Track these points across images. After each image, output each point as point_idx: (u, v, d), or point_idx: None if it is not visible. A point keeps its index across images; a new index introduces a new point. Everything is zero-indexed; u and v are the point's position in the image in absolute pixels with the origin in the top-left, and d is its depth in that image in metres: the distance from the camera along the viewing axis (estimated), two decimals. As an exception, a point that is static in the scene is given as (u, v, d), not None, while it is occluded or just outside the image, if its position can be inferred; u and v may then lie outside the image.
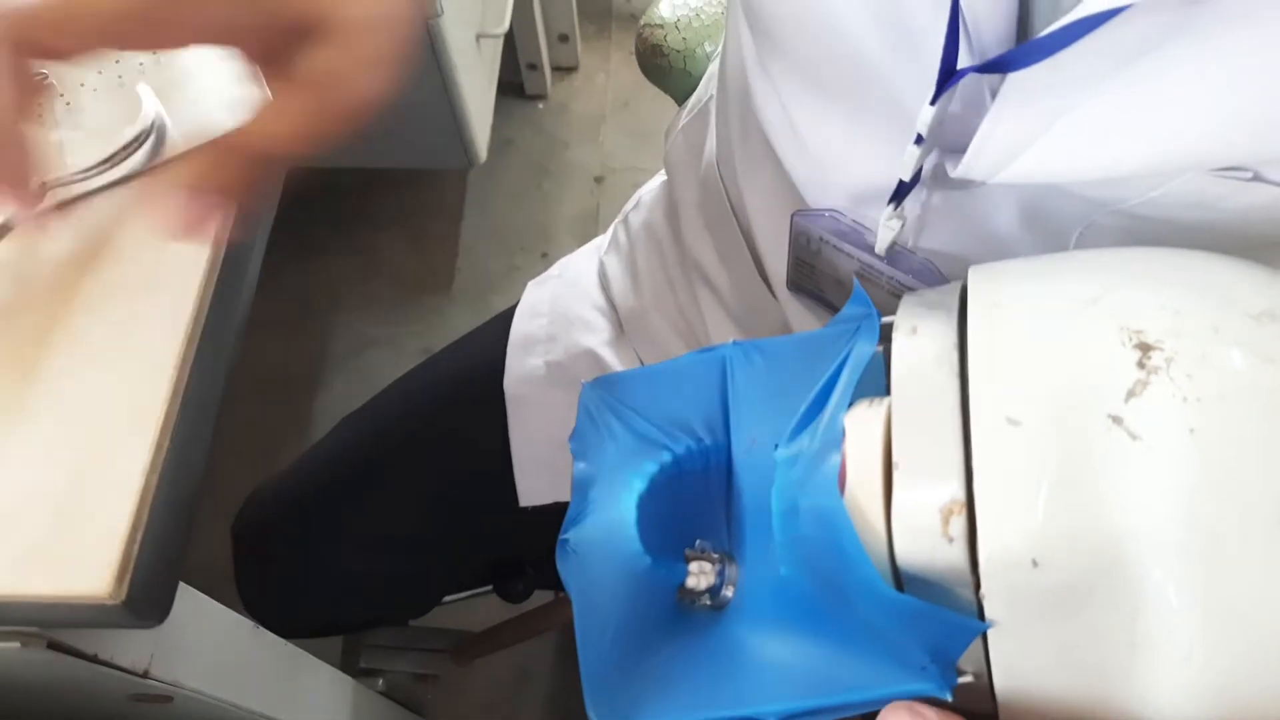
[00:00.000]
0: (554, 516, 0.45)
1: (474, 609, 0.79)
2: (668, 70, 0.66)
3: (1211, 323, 0.27)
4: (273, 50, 0.30)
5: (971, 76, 0.31)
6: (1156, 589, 0.26)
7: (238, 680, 0.45)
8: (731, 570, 0.34)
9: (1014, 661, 0.27)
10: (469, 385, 0.67)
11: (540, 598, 0.79)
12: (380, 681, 0.71)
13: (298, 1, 0.30)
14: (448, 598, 0.77)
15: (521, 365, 0.65)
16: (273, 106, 0.30)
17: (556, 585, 0.80)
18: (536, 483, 0.63)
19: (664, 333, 0.61)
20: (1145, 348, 0.27)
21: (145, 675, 0.37)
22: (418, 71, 1.05)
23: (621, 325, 0.64)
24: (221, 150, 0.29)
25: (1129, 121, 0.30)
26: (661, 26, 0.64)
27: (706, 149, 0.55)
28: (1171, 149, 0.30)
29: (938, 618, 0.27)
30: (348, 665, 0.73)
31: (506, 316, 0.68)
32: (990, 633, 0.27)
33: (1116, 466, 0.26)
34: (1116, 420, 0.26)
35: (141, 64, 0.40)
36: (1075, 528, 0.26)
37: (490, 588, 0.78)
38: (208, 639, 0.42)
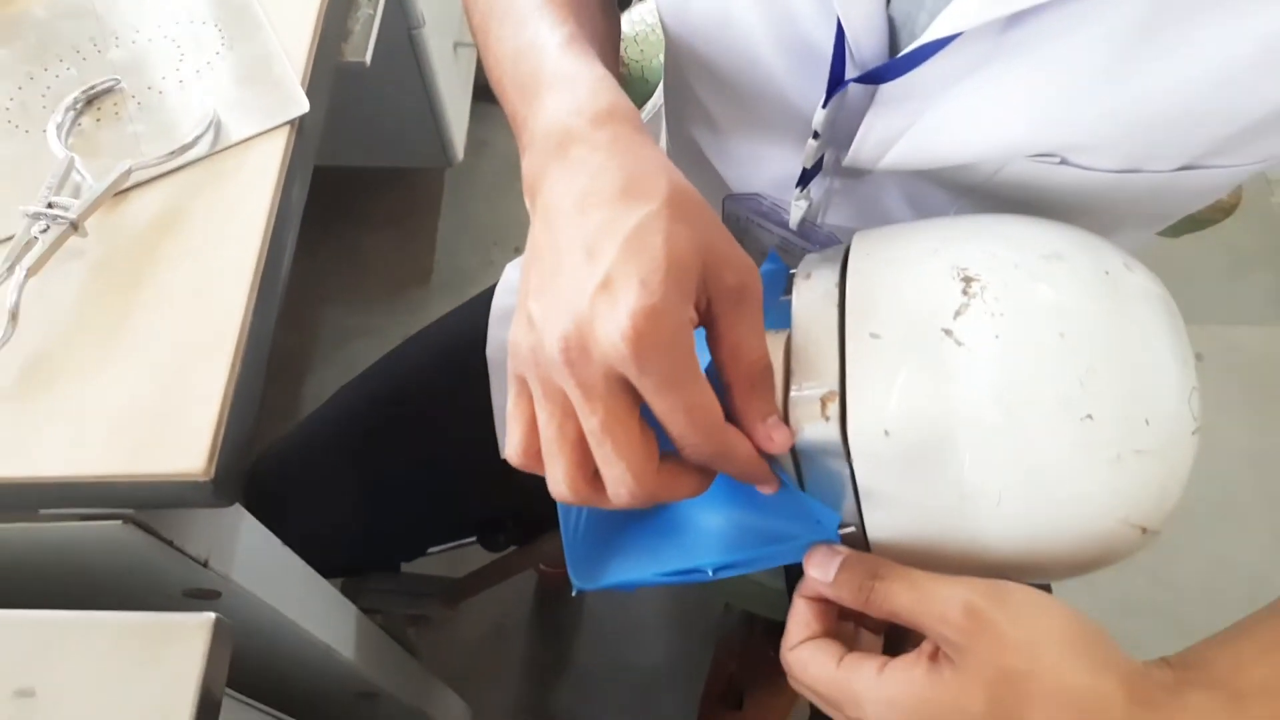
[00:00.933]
0: (532, 475, 0.53)
1: (459, 558, 0.88)
2: (627, 79, 0.76)
3: (1014, 261, 0.37)
4: None
5: (856, 85, 0.41)
6: (975, 453, 0.36)
7: (273, 587, 0.54)
8: None
9: (878, 510, 0.37)
10: (455, 354, 0.75)
11: (519, 549, 0.87)
12: (378, 617, 0.79)
13: None
14: (435, 548, 0.85)
15: (501, 334, 0.73)
16: None
17: (533, 538, 0.89)
18: (516, 437, 0.72)
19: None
20: (968, 280, 0.37)
21: (205, 564, 0.46)
22: (401, 77, 1.13)
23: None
24: None
25: (968, 120, 0.40)
26: (622, 40, 0.74)
27: (660, 146, 0.64)
28: (999, 140, 0.40)
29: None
30: (347, 605, 0.81)
31: (488, 294, 0.77)
32: (861, 489, 0.37)
33: (948, 364, 0.36)
34: (948, 332, 0.36)
35: (198, 71, 0.49)
36: (917, 408, 0.36)
37: (474, 539, 0.86)
38: (252, 548, 0.51)
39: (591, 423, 0.32)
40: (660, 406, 0.32)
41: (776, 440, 0.35)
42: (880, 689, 0.34)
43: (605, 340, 0.30)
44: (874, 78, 0.40)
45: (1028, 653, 0.33)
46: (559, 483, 0.34)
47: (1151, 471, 0.36)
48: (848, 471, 0.37)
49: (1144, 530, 0.37)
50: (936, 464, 0.36)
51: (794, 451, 0.38)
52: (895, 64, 0.39)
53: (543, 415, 0.33)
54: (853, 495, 0.38)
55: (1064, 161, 0.40)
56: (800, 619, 0.38)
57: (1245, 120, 0.37)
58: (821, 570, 0.37)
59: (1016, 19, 0.36)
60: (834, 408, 0.37)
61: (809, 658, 0.36)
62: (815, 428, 0.37)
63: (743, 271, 0.34)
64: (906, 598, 0.35)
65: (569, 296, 0.32)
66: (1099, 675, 0.32)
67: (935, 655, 0.34)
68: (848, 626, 0.40)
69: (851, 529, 0.39)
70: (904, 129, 0.41)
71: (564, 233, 0.33)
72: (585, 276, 0.31)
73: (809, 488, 0.39)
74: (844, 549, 0.38)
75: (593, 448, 0.32)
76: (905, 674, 0.34)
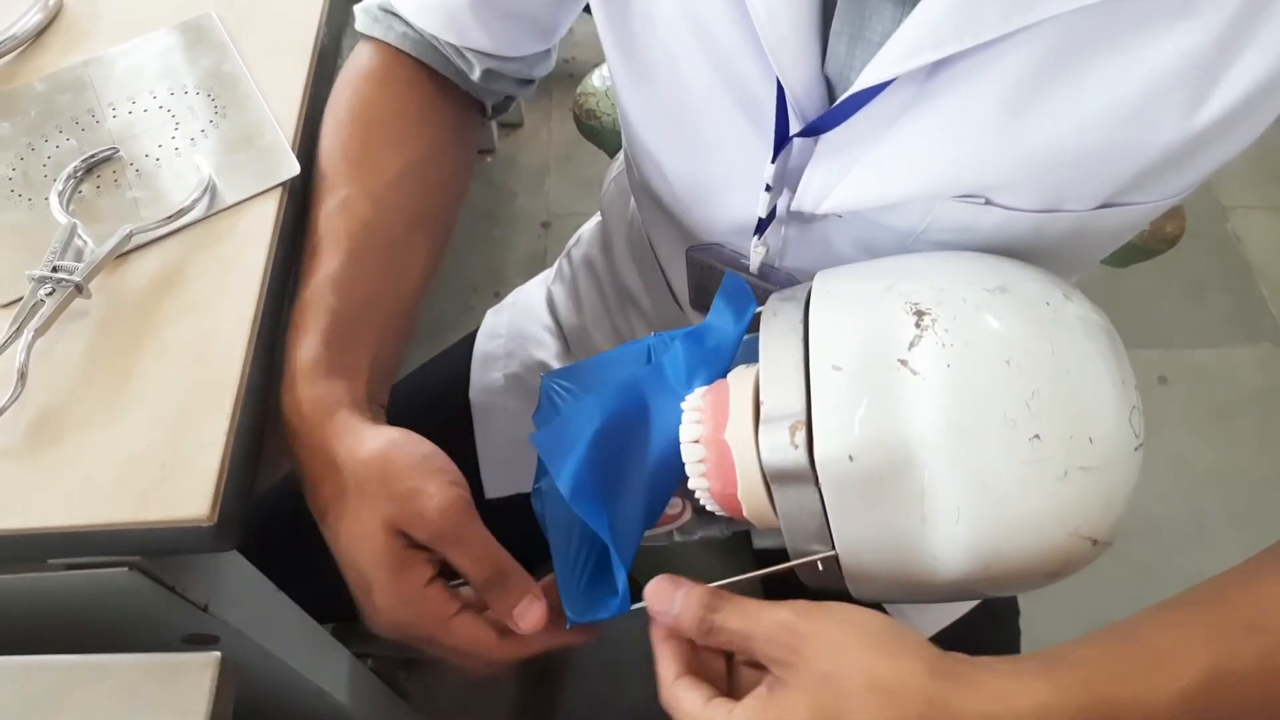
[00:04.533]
0: (516, 513, 0.56)
1: (448, 601, 0.88)
2: (600, 130, 0.79)
3: (961, 295, 0.40)
4: None
5: (800, 139, 0.44)
6: (932, 474, 0.38)
7: (269, 631, 0.55)
8: None
9: (848, 532, 0.39)
10: (438, 399, 0.77)
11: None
12: (369, 661, 0.80)
13: None
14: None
15: (484, 378, 0.76)
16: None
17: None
18: (500, 477, 0.74)
19: (602, 346, 0.73)
20: (920, 313, 0.40)
21: (206, 609, 0.48)
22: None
23: (567, 342, 0.76)
24: None
25: (896, 162, 0.43)
26: (594, 95, 0.78)
27: (631, 198, 0.68)
28: (924, 180, 0.43)
29: None
30: (339, 651, 0.81)
31: (469, 340, 0.79)
32: (830, 511, 0.39)
33: (904, 393, 0.39)
34: (903, 363, 0.39)
35: (193, 139, 0.52)
36: (878, 434, 0.38)
37: (462, 580, 0.87)
38: (249, 593, 0.53)
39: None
40: (438, 652, 0.43)
41: (524, 625, 0.44)
42: None
43: (384, 628, 0.44)
44: (815, 129, 0.43)
45: (837, 654, 0.36)
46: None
47: (1098, 486, 0.38)
48: (817, 496, 0.39)
49: (1095, 542, 0.39)
50: (898, 486, 0.38)
51: (766, 480, 0.41)
52: (832, 113, 0.42)
53: None
54: (824, 519, 0.40)
55: (989, 202, 0.43)
56: (665, 657, 0.40)
57: (1147, 157, 0.40)
58: (664, 603, 0.40)
59: (939, 65, 0.39)
60: (801, 436, 0.39)
61: (681, 695, 0.39)
62: (786, 454, 0.39)
63: (430, 522, 0.41)
64: (737, 624, 0.38)
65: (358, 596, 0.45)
66: (900, 660, 0.36)
67: (771, 682, 0.37)
68: (719, 663, 0.42)
69: (830, 553, 0.41)
70: (842, 175, 0.44)
71: (326, 530, 0.45)
72: (353, 582, 0.44)
73: (783, 514, 0.41)
74: (683, 580, 0.41)
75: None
76: (748, 706, 0.37)
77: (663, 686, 0.40)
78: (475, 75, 0.55)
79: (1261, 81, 0.37)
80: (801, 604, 0.38)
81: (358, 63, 0.55)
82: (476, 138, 0.62)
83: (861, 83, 0.39)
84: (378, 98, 0.54)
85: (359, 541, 0.42)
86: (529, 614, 0.43)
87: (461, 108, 0.58)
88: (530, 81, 0.60)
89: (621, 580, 0.42)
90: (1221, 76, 0.37)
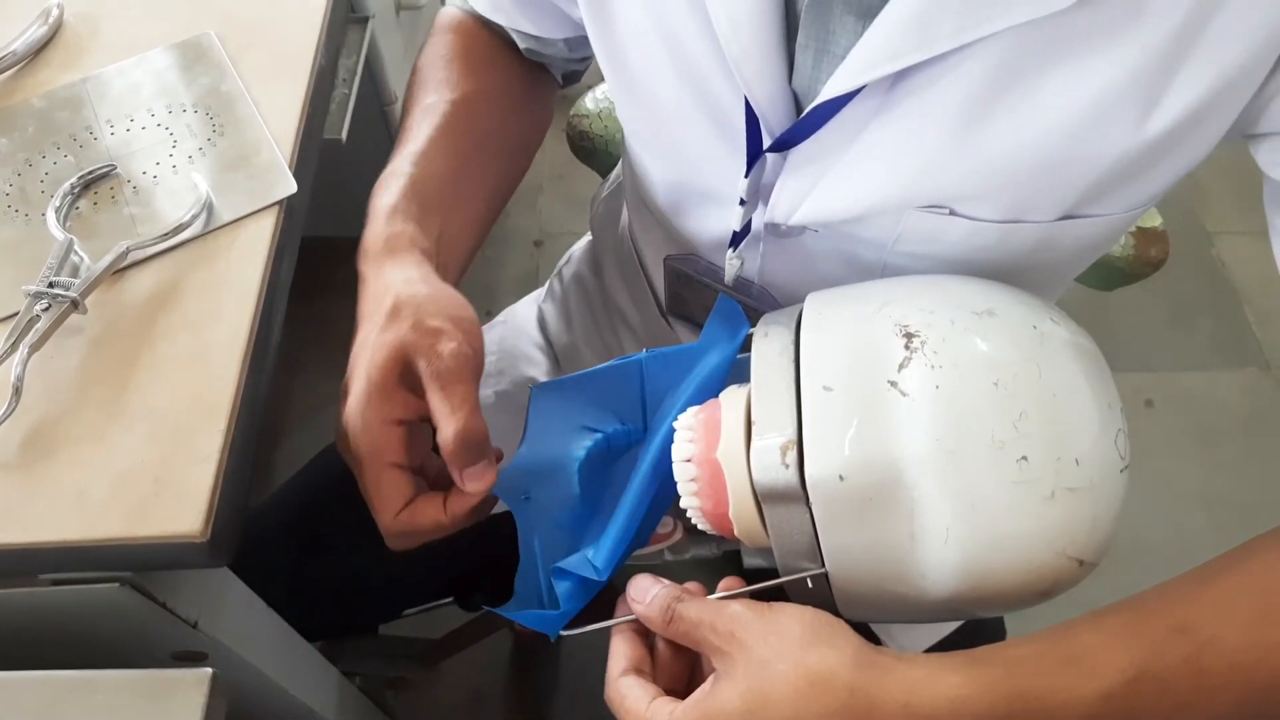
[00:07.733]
0: (505, 529, 0.57)
1: (436, 619, 0.89)
2: (592, 151, 0.80)
3: (950, 317, 0.41)
4: None
5: (772, 154, 0.45)
6: (921, 494, 0.39)
7: (258, 649, 0.55)
8: None
9: (838, 551, 0.40)
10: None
11: (495, 609, 0.88)
12: (357, 680, 0.80)
13: None
14: (411, 610, 0.86)
15: (471, 395, 0.76)
16: None
17: (508, 596, 0.90)
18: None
19: (592, 363, 0.74)
20: (910, 335, 0.40)
21: (195, 626, 0.48)
22: (374, 152, 1.17)
23: (557, 359, 0.77)
24: None
25: (861, 173, 0.44)
26: (586, 116, 0.79)
27: (622, 216, 0.69)
28: (889, 191, 0.44)
29: None
30: (326, 669, 0.81)
31: (459, 358, 0.80)
32: (820, 530, 0.39)
33: (894, 413, 0.39)
34: (893, 384, 0.40)
35: (190, 157, 0.52)
36: (868, 454, 0.39)
37: (450, 599, 0.87)
38: (238, 610, 0.53)
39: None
40: (362, 487, 0.44)
41: (470, 486, 0.44)
42: None
43: (338, 431, 0.44)
44: (784, 143, 0.44)
45: (772, 643, 0.37)
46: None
47: (1084, 507, 0.39)
48: (808, 515, 0.40)
49: (1081, 562, 0.40)
50: (888, 505, 0.39)
51: (757, 498, 0.41)
52: (800, 126, 0.43)
53: None
54: (814, 537, 0.40)
55: (953, 213, 0.44)
56: (615, 653, 0.41)
57: (1102, 167, 0.41)
58: (639, 594, 0.41)
59: (899, 78, 0.41)
60: (792, 455, 0.40)
61: (627, 692, 0.40)
62: (777, 474, 0.40)
63: (439, 358, 0.42)
64: (695, 612, 0.39)
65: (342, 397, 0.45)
66: (826, 650, 0.37)
67: (714, 677, 0.38)
68: (679, 667, 0.43)
69: (819, 571, 0.41)
70: (811, 187, 0.45)
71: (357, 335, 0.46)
72: (344, 385, 0.45)
73: (773, 533, 0.41)
74: (664, 580, 0.42)
75: None
76: (690, 702, 0.37)
77: (608, 682, 0.40)
78: (522, 49, 0.62)
79: (1206, 95, 0.38)
80: (752, 601, 0.39)
81: (441, 20, 0.63)
82: (545, 93, 0.66)
83: (826, 94, 0.41)
84: (454, 40, 0.61)
85: (367, 351, 0.43)
86: (481, 478, 0.44)
87: (527, 65, 0.64)
88: (574, 66, 0.66)
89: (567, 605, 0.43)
90: (1168, 88, 0.39)
